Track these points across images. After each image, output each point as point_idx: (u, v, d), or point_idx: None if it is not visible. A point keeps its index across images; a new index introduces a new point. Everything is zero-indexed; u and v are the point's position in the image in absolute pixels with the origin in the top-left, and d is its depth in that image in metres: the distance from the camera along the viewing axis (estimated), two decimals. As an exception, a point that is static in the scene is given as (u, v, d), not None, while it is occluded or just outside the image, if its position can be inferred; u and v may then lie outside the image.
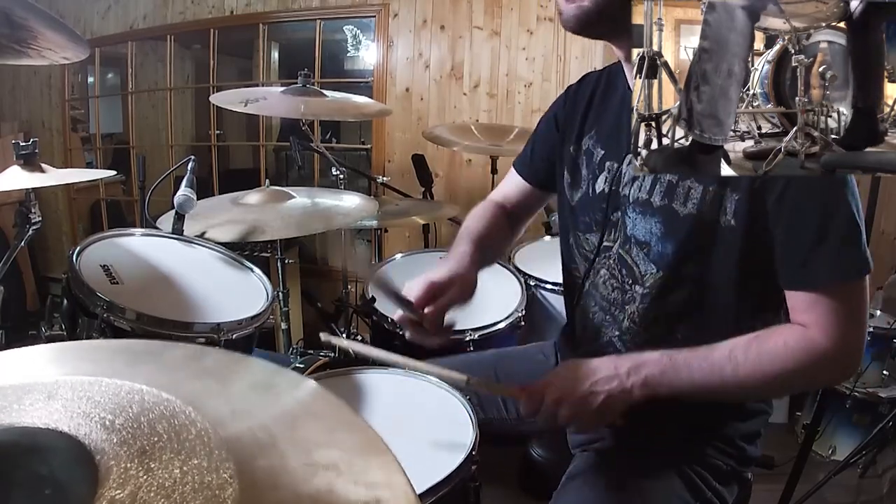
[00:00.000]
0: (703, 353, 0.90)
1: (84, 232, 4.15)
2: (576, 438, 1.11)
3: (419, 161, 2.85)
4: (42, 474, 0.39)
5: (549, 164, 1.19)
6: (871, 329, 2.14)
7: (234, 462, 0.40)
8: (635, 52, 0.74)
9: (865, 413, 2.29)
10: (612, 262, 1.03)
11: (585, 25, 0.91)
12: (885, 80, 0.71)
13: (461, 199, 3.23)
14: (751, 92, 0.74)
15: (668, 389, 0.90)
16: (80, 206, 4.26)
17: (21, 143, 1.39)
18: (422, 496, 0.88)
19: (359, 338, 2.30)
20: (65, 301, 1.24)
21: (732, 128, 0.74)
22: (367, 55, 3.59)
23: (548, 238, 2.31)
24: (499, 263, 2.05)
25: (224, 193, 1.86)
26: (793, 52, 0.72)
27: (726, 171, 0.75)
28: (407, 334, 1.04)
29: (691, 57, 0.74)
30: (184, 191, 1.50)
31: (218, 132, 3.90)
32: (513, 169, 1.29)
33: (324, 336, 1.10)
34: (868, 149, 0.71)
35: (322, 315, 2.19)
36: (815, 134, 0.72)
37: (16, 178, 1.37)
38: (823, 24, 0.71)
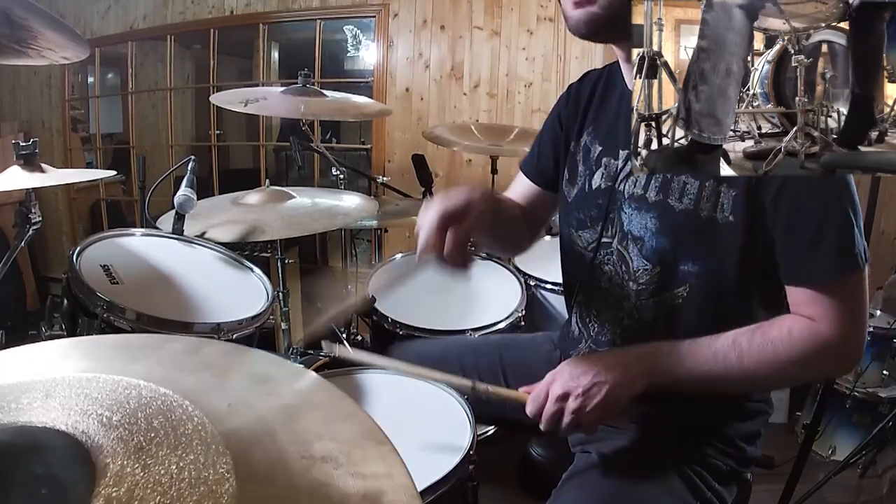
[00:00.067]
0: (707, 342, 0.90)
1: (84, 232, 4.15)
2: (576, 437, 1.11)
3: (419, 161, 2.84)
4: (39, 473, 0.39)
5: (555, 164, 1.19)
6: (871, 329, 2.14)
7: (231, 456, 0.40)
8: (635, 52, 0.74)
9: (865, 413, 2.29)
10: (614, 258, 1.03)
11: (595, 30, 0.91)
12: (885, 80, 0.71)
13: (461, 199, 3.23)
14: (751, 92, 0.74)
15: (673, 378, 0.90)
16: (80, 206, 4.27)
17: (21, 143, 1.39)
18: (420, 495, 0.88)
19: (359, 338, 2.30)
20: (65, 301, 1.24)
21: (732, 128, 0.74)
22: (367, 55, 3.59)
23: (548, 238, 2.31)
24: (499, 263, 2.05)
25: (224, 193, 1.86)
26: (793, 52, 0.72)
27: (726, 170, 0.75)
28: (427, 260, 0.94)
29: (691, 57, 0.73)
30: (184, 191, 1.50)
31: (218, 132, 3.90)
32: (520, 171, 1.28)
33: (325, 345, 1.09)
34: (868, 148, 0.71)
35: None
36: (815, 134, 0.72)
37: (16, 178, 1.37)
38: (823, 25, 0.71)
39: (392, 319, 1.71)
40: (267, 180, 1.88)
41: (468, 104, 3.29)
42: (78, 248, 1.30)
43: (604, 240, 1.04)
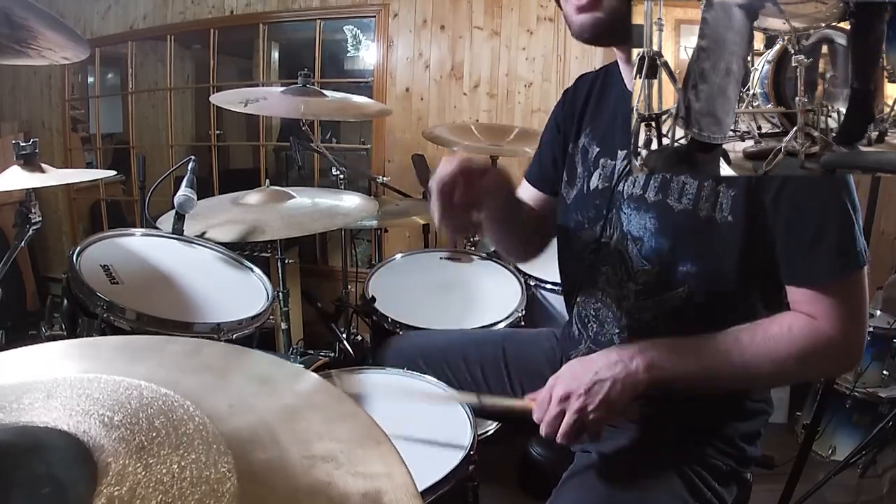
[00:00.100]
0: (709, 338, 0.90)
1: (84, 232, 4.15)
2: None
3: (419, 161, 2.85)
4: (41, 473, 0.39)
5: (556, 170, 1.19)
6: (871, 329, 2.14)
7: (232, 456, 0.40)
8: (635, 52, 0.74)
9: (865, 413, 2.29)
10: (612, 258, 1.03)
11: (598, 35, 0.91)
12: (885, 80, 0.71)
13: (461, 199, 3.23)
14: (751, 92, 0.74)
15: (674, 373, 0.90)
16: (80, 206, 4.26)
17: (21, 143, 1.39)
18: (420, 495, 0.88)
19: (359, 338, 2.30)
20: (65, 301, 1.24)
21: (732, 128, 0.74)
22: (367, 55, 3.59)
23: (548, 238, 2.31)
24: (499, 263, 2.05)
25: (224, 193, 1.86)
26: (793, 52, 0.72)
27: (726, 170, 0.75)
28: (434, 211, 0.91)
29: (691, 56, 0.74)
30: (184, 191, 1.50)
31: (218, 132, 3.89)
32: (524, 180, 1.28)
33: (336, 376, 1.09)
34: (868, 148, 0.71)
35: (322, 315, 2.19)
36: (815, 134, 0.72)
37: (16, 178, 1.37)
38: (823, 25, 0.71)
39: (392, 319, 1.71)
40: (267, 180, 1.88)
41: (468, 104, 3.29)
42: (78, 248, 1.30)
43: (602, 240, 1.04)
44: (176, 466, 0.39)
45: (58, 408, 0.45)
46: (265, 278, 1.48)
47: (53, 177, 1.42)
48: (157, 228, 1.55)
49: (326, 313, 2.17)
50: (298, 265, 3.05)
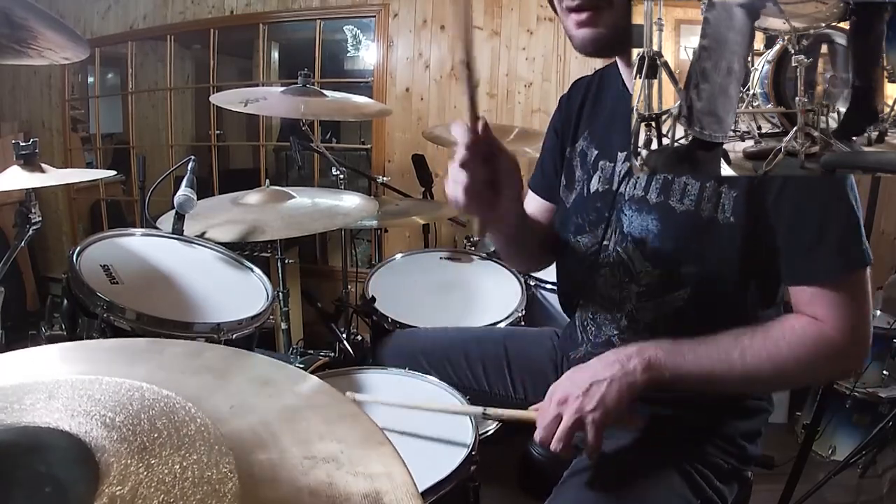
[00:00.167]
0: (710, 339, 0.89)
1: (84, 232, 4.15)
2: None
3: (419, 161, 2.85)
4: (43, 473, 0.39)
5: (559, 178, 1.19)
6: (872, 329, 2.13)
7: (233, 456, 0.41)
8: (635, 52, 0.74)
9: (865, 413, 2.29)
10: (611, 260, 1.03)
11: (600, 49, 0.90)
12: (885, 80, 0.71)
13: (461, 199, 3.23)
14: (751, 92, 0.74)
15: (673, 374, 0.89)
16: (80, 206, 4.26)
17: (21, 143, 1.39)
18: (421, 496, 0.88)
19: (359, 338, 2.30)
20: (65, 301, 1.24)
21: (732, 128, 0.74)
22: (367, 55, 3.59)
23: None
24: (499, 263, 2.05)
25: (224, 193, 1.86)
26: (793, 52, 0.72)
27: (726, 171, 0.75)
28: (457, 157, 0.85)
29: (691, 57, 0.74)
30: (184, 191, 1.50)
31: (218, 132, 3.90)
32: (529, 191, 1.27)
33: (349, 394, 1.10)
34: (868, 148, 0.71)
35: (322, 315, 2.19)
36: (815, 134, 0.72)
37: (16, 178, 1.37)
38: (823, 25, 0.71)
39: (392, 319, 1.71)
40: (267, 180, 1.88)
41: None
42: (78, 248, 1.30)
43: (603, 242, 1.04)
44: (178, 467, 0.39)
45: (59, 408, 0.45)
46: (265, 278, 1.48)
47: (53, 177, 1.42)
48: (157, 228, 1.55)
49: (326, 313, 2.17)
50: (298, 265, 3.06)
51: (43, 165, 1.42)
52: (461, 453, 0.99)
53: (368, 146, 3.63)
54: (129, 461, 0.39)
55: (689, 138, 0.74)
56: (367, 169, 3.50)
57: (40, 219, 1.42)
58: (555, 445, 0.90)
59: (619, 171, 1.01)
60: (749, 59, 0.74)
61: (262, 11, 3.58)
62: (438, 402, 1.09)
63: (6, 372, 0.53)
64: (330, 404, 0.51)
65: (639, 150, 0.76)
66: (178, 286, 1.36)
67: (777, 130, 0.73)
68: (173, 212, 1.51)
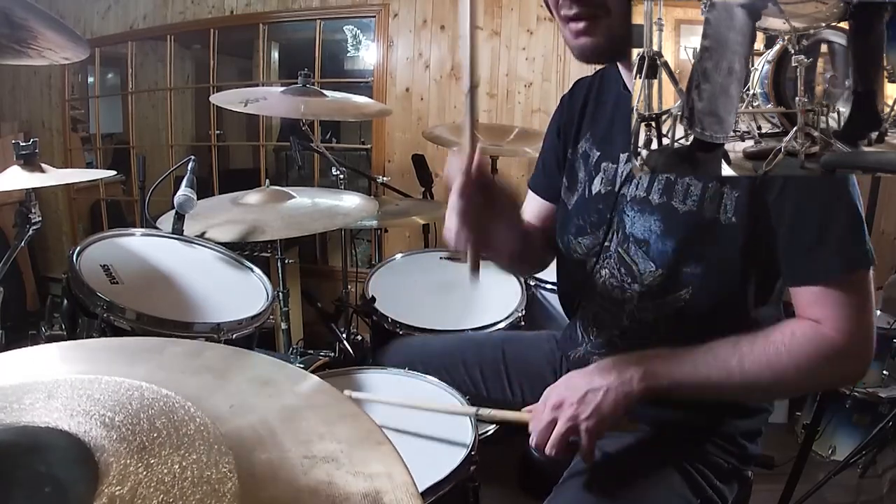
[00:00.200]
0: (708, 346, 0.88)
1: (84, 232, 4.15)
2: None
3: (419, 161, 2.85)
4: (42, 472, 0.39)
5: (560, 177, 1.19)
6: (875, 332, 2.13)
7: (233, 456, 0.41)
8: (635, 52, 0.74)
9: (865, 413, 2.29)
10: (613, 261, 1.02)
11: (598, 56, 0.91)
12: (885, 80, 0.71)
13: (461, 199, 3.23)
14: (751, 92, 0.74)
15: (670, 382, 0.88)
16: (80, 206, 4.26)
17: (21, 143, 1.39)
18: (420, 496, 0.88)
19: (359, 338, 2.30)
20: (65, 301, 1.24)
21: (733, 127, 0.74)
22: (367, 55, 3.59)
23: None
24: (499, 263, 2.05)
25: (224, 193, 1.86)
26: (793, 52, 0.72)
27: (727, 170, 0.75)
28: (452, 197, 0.88)
29: (691, 57, 0.74)
30: (184, 191, 1.50)
31: (218, 132, 3.90)
32: (529, 191, 1.27)
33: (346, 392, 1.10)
34: (868, 147, 0.71)
35: (322, 315, 2.19)
36: (815, 134, 0.72)
37: (16, 178, 1.37)
38: (823, 25, 0.71)
39: (392, 319, 1.71)
40: (267, 180, 1.88)
41: (468, 104, 3.28)
42: (78, 248, 1.30)
43: (605, 244, 1.04)
44: (177, 467, 0.39)
45: (59, 408, 0.45)
46: (265, 278, 1.48)
47: (53, 177, 1.42)
48: (157, 228, 1.55)
49: (326, 313, 2.17)
50: (298, 265, 3.06)
51: (43, 165, 1.42)
52: (461, 453, 0.99)
53: (368, 146, 3.63)
54: (128, 461, 0.39)
55: (690, 138, 0.74)
56: (367, 169, 3.50)
57: (40, 219, 1.42)
58: (549, 450, 0.90)
59: (622, 173, 1.01)
60: (750, 58, 0.74)
61: (262, 11, 3.58)
62: (434, 402, 1.09)
63: (6, 372, 0.53)
64: (330, 404, 0.51)
65: (639, 150, 0.76)
66: (178, 286, 1.36)
67: (777, 130, 0.73)
68: (173, 212, 1.51)
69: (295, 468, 0.42)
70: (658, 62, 0.74)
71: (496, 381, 1.24)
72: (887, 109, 0.71)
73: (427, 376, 1.21)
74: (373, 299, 1.78)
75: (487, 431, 1.24)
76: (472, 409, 1.00)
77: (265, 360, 0.58)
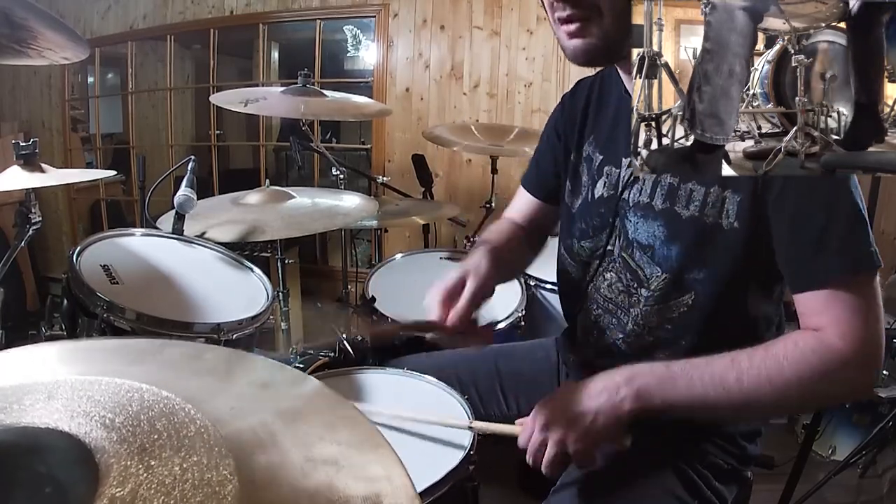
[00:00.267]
0: (704, 361, 0.85)
1: (84, 232, 4.15)
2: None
3: (419, 161, 2.85)
4: (42, 473, 0.39)
5: (555, 177, 1.19)
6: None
7: (233, 459, 0.40)
8: (635, 52, 0.74)
9: (865, 413, 2.29)
10: (617, 265, 1.02)
11: (592, 59, 0.90)
12: (886, 79, 0.71)
13: (461, 199, 3.24)
14: (751, 92, 0.74)
15: (664, 402, 0.85)
16: (80, 206, 4.27)
17: (21, 143, 1.39)
18: (420, 496, 0.88)
19: (359, 338, 2.30)
20: (65, 301, 1.24)
21: (733, 129, 0.74)
22: (367, 55, 3.59)
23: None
24: (499, 263, 2.05)
25: (224, 193, 1.86)
26: (793, 52, 0.72)
27: (727, 171, 0.75)
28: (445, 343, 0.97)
29: (691, 57, 0.74)
30: (184, 191, 1.50)
31: (218, 132, 3.90)
32: (521, 187, 1.28)
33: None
34: (868, 148, 0.71)
35: (322, 315, 2.19)
36: (815, 134, 0.72)
37: (16, 178, 1.37)
38: (823, 25, 0.71)
39: (392, 319, 1.71)
40: (267, 180, 1.88)
41: (468, 104, 3.29)
42: (78, 248, 1.30)
43: (608, 248, 1.04)
44: (178, 468, 0.39)
45: (59, 409, 0.45)
46: (265, 278, 1.48)
47: (53, 177, 1.42)
48: (157, 228, 1.55)
49: (326, 313, 2.17)
50: (298, 265, 3.06)
51: (43, 165, 1.42)
52: (460, 453, 0.99)
53: (368, 146, 3.63)
54: (128, 462, 0.39)
55: (690, 139, 0.74)
56: (367, 169, 3.50)
57: (40, 219, 1.42)
58: (544, 471, 0.89)
59: (624, 177, 1.01)
60: (751, 60, 0.74)
61: (262, 11, 3.58)
62: (429, 413, 1.09)
63: (5, 372, 0.53)
64: (330, 407, 0.51)
65: (639, 150, 0.76)
66: (178, 286, 1.36)
67: (777, 130, 0.73)
68: (173, 212, 1.51)
69: (295, 471, 0.42)
70: (658, 62, 0.74)
71: (492, 397, 1.23)
72: (887, 109, 0.71)
73: (426, 376, 1.21)
74: (373, 299, 1.78)
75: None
76: (466, 423, 1.01)
77: (265, 363, 0.58)
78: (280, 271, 1.96)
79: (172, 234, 1.50)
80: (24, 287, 3.82)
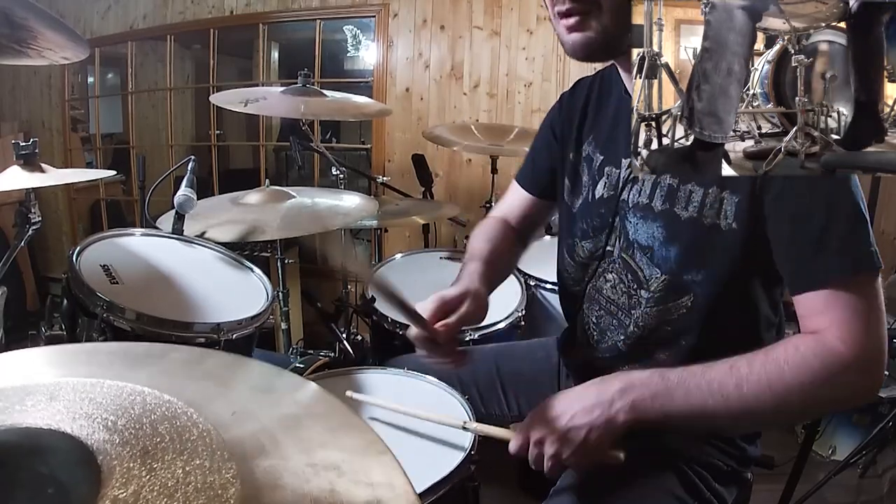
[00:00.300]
0: (701, 370, 0.83)
1: (84, 232, 4.15)
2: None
3: (419, 161, 2.85)
4: (45, 475, 0.39)
5: (550, 175, 1.19)
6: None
7: (236, 463, 0.41)
8: (635, 52, 0.74)
9: (865, 413, 2.29)
10: (617, 266, 1.02)
11: (591, 53, 0.90)
12: (886, 79, 0.71)
13: (461, 199, 3.24)
14: (751, 92, 0.74)
15: (660, 414, 0.84)
16: (80, 206, 4.27)
17: (21, 143, 1.39)
18: (421, 496, 0.88)
19: (359, 338, 2.30)
20: (65, 301, 1.24)
21: (733, 128, 0.74)
22: (367, 55, 3.59)
23: (548, 238, 2.31)
24: (499, 263, 2.05)
25: (224, 193, 1.86)
26: (793, 52, 0.72)
27: (727, 171, 0.75)
28: (418, 351, 0.98)
29: (691, 57, 0.74)
30: (184, 191, 1.50)
31: (218, 132, 3.90)
32: (515, 182, 1.28)
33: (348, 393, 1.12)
34: (868, 148, 0.71)
35: (322, 315, 2.19)
36: (815, 134, 0.72)
37: (16, 178, 1.37)
38: (823, 25, 0.71)
39: (392, 319, 1.71)
40: (267, 180, 1.88)
41: (468, 104, 3.29)
42: (78, 248, 1.30)
43: (607, 248, 1.04)
44: (180, 472, 0.39)
45: (61, 411, 0.45)
46: (265, 278, 1.48)
47: (53, 177, 1.42)
48: (157, 228, 1.55)
49: (326, 313, 2.17)
50: (298, 265, 3.06)
51: (43, 165, 1.42)
52: (461, 453, 0.99)
53: (368, 146, 3.63)
54: (131, 465, 0.39)
55: (690, 139, 0.74)
56: (367, 169, 3.50)
57: (40, 219, 1.42)
58: (547, 473, 0.89)
59: (624, 177, 1.01)
60: (750, 59, 0.74)
61: (262, 11, 3.58)
62: (425, 410, 1.09)
63: (7, 373, 0.53)
64: (331, 412, 0.52)
65: (639, 150, 0.76)
66: (178, 286, 1.36)
67: (777, 130, 0.74)
68: (173, 212, 1.51)
69: (297, 476, 0.42)
70: (658, 62, 0.74)
71: (492, 397, 1.23)
72: (887, 109, 0.71)
73: (426, 376, 1.21)
74: (373, 299, 1.78)
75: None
76: (459, 422, 1.01)
77: (267, 368, 0.58)
78: (280, 271, 1.96)
79: (172, 234, 1.50)
80: (24, 287, 3.82)
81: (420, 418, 1.05)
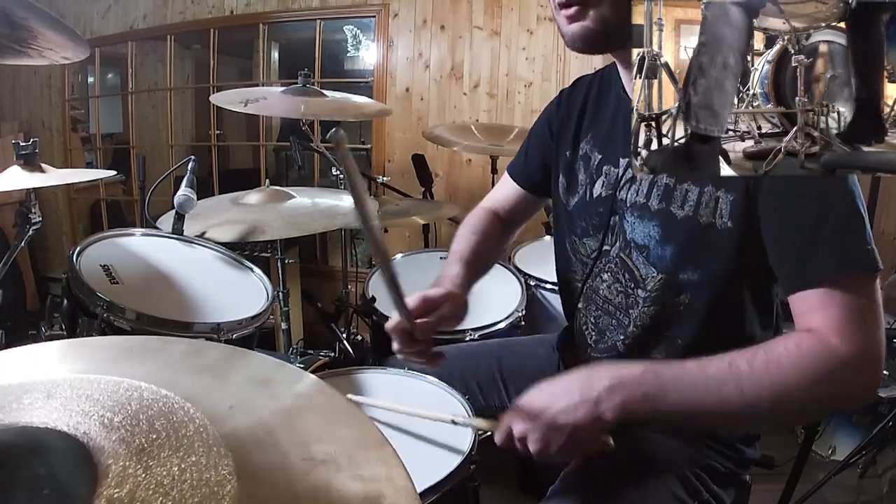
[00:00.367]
0: (699, 367, 0.80)
1: (84, 232, 4.15)
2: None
3: (419, 161, 2.85)
4: (41, 474, 0.39)
5: (543, 170, 1.20)
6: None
7: (232, 458, 0.40)
8: (635, 52, 0.74)
9: (865, 413, 2.28)
10: (614, 266, 1.02)
11: (590, 44, 0.90)
12: (886, 79, 0.71)
13: (461, 199, 3.24)
14: (751, 92, 0.74)
15: (653, 413, 0.80)
16: (80, 206, 4.27)
17: (21, 143, 1.39)
18: (421, 496, 0.88)
19: (359, 338, 2.30)
20: (65, 301, 1.24)
21: (732, 128, 0.74)
22: (367, 55, 3.59)
23: (548, 238, 2.32)
24: (499, 263, 2.05)
25: (224, 193, 1.87)
26: (793, 52, 0.72)
27: (726, 171, 0.75)
28: (394, 344, 0.97)
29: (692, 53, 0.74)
30: (184, 191, 1.50)
31: (218, 132, 3.90)
32: (507, 174, 1.29)
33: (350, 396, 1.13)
34: (868, 148, 0.71)
35: (322, 315, 2.19)
36: (815, 134, 0.72)
37: (16, 178, 1.37)
38: (823, 25, 0.71)
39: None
40: (267, 180, 1.88)
41: (468, 104, 3.29)
42: (78, 248, 1.30)
43: (604, 248, 1.04)
44: (176, 469, 0.39)
45: (58, 408, 0.45)
46: (265, 278, 1.48)
47: (53, 177, 1.42)
48: (157, 228, 1.56)
49: (326, 313, 2.17)
50: (298, 265, 3.06)
51: (43, 165, 1.42)
52: (461, 454, 0.99)
53: (368, 146, 3.63)
54: (127, 463, 0.39)
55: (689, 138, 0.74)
56: (367, 169, 3.50)
57: (40, 219, 1.42)
58: (536, 458, 0.87)
59: (622, 177, 1.01)
60: (748, 57, 0.74)
61: (262, 11, 3.58)
62: (425, 409, 1.09)
63: (5, 371, 0.53)
64: (329, 405, 0.51)
65: (639, 150, 0.76)
66: (178, 286, 1.36)
67: (777, 130, 0.73)
68: (173, 212, 1.51)
69: (294, 470, 0.42)
70: (658, 62, 0.74)
71: (493, 391, 1.23)
72: (887, 109, 0.71)
73: (427, 376, 1.21)
74: (373, 299, 1.78)
75: (488, 431, 1.24)
76: (448, 417, 1.00)
77: (265, 360, 0.58)
78: (280, 271, 1.96)
79: (172, 234, 1.50)
80: (24, 287, 3.82)
81: (410, 415, 1.05)
